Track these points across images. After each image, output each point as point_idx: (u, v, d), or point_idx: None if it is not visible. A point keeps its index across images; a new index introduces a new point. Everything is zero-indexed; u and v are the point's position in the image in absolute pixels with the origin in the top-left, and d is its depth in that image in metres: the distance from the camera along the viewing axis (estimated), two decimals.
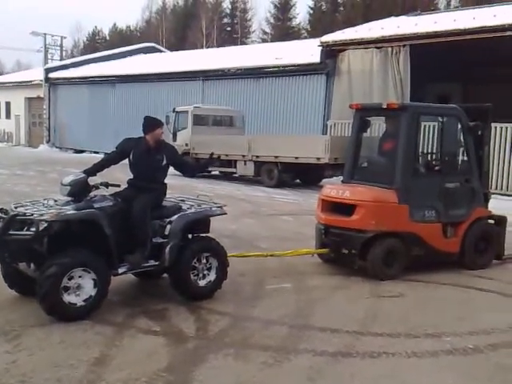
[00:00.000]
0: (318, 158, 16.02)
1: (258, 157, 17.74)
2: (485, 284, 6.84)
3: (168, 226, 5.61)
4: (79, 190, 5.36)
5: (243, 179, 18.98)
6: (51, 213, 5.04)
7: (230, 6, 67.24)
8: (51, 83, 34.48)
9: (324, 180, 16.46)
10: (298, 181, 18.13)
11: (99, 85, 31.48)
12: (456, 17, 18.65)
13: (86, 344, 4.54)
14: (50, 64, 36.38)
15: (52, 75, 34.49)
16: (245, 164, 18.18)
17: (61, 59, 38.57)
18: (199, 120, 20.33)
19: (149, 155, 5.76)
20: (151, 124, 5.85)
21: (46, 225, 4.94)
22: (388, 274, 6.82)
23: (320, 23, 54.87)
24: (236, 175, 19.17)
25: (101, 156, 23.47)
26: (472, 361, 4.53)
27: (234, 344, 4.69)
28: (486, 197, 7.80)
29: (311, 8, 60.66)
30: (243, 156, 18.11)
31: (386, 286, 6.56)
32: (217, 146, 18.79)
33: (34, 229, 4.95)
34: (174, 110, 20.68)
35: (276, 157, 17.19)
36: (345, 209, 7.00)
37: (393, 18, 22.98)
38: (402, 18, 22.60)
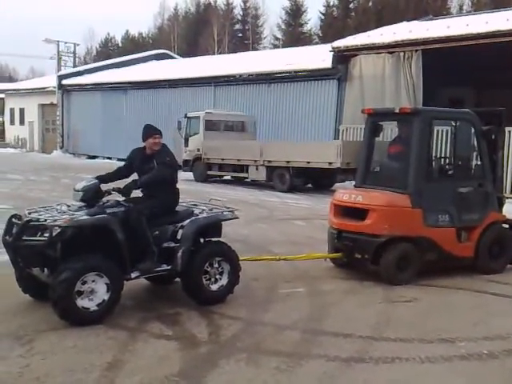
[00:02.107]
0: (330, 163, 16.00)
1: (269, 162, 17.74)
2: (499, 289, 6.76)
3: (180, 231, 5.64)
4: (92, 196, 5.42)
5: (255, 184, 18.99)
6: (64, 218, 5.09)
7: (241, 13, 67.59)
8: (64, 90, 34.80)
9: (336, 184, 16.46)
10: (309, 185, 18.12)
11: (112, 91, 31.70)
12: (468, 21, 18.57)
13: (98, 348, 4.55)
14: (64, 71, 36.76)
15: (65, 82, 34.81)
16: (256, 169, 18.20)
17: (74, 66, 38.94)
18: (211, 125, 20.38)
19: (143, 163, 5.81)
20: (144, 133, 5.88)
21: (59, 230, 4.98)
22: (401, 279, 6.77)
23: (331, 29, 54.94)
24: (248, 180, 19.20)
25: (114, 162, 23.57)
26: (487, 366, 4.48)
27: (247, 349, 4.67)
28: (500, 201, 7.73)
29: (322, 14, 60.76)
30: (255, 161, 18.14)
31: (399, 290, 6.52)
32: (228, 151, 18.94)
33: (47, 234, 4.99)
34: (185, 116, 20.77)
35: (288, 162, 17.18)
36: (357, 213, 6.98)
37: (405, 23, 22.89)
38: (414, 22, 22.49)
